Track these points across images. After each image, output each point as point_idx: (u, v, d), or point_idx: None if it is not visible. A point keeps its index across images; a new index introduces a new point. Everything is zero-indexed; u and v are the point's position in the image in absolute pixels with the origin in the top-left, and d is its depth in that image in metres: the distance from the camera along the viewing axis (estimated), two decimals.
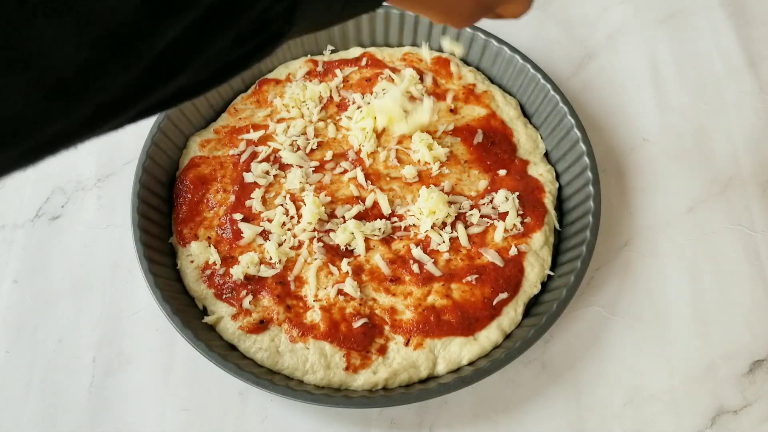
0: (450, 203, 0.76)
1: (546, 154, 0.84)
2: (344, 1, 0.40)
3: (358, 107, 0.84)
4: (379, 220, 0.76)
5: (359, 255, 0.74)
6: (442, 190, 0.78)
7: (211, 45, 0.31)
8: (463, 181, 0.80)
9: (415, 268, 0.74)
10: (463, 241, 0.75)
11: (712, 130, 0.89)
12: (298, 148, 0.81)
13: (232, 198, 0.78)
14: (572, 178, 0.80)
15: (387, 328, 0.71)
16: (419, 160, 0.81)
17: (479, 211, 0.77)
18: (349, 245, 0.75)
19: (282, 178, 0.80)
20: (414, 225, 0.77)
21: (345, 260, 0.74)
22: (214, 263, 0.74)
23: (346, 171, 0.80)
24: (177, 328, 0.67)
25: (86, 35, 0.26)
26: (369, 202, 0.77)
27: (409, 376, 0.69)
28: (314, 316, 0.71)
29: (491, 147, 0.82)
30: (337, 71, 0.87)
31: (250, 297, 0.72)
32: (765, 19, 0.97)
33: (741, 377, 0.74)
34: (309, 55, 0.90)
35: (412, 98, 0.84)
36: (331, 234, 0.75)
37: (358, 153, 0.81)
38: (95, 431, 0.70)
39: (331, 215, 0.77)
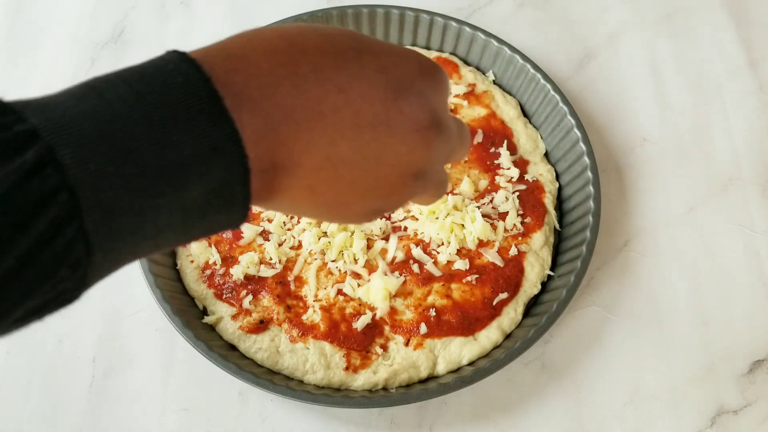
0: (455, 207, 0.76)
1: (546, 154, 0.84)
2: (179, 236, 0.32)
3: None
4: (379, 219, 0.76)
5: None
6: None
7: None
8: (463, 181, 0.80)
9: (415, 268, 0.74)
10: (469, 243, 0.75)
11: (712, 130, 0.89)
12: None
13: None
14: (572, 178, 0.80)
15: (387, 328, 0.71)
16: None
17: (479, 211, 0.77)
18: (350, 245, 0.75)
19: None
20: (411, 216, 0.77)
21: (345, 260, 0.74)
22: (214, 263, 0.74)
23: None
24: (177, 328, 0.67)
25: None
26: None
27: (409, 376, 0.69)
28: (314, 316, 0.71)
29: (491, 147, 0.83)
30: None
31: (250, 297, 0.72)
32: (765, 19, 0.97)
33: (741, 377, 0.74)
34: None
35: None
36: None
37: None
38: (95, 431, 0.70)
39: None
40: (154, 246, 0.31)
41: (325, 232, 0.74)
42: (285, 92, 0.33)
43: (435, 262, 0.74)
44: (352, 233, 0.74)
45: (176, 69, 0.30)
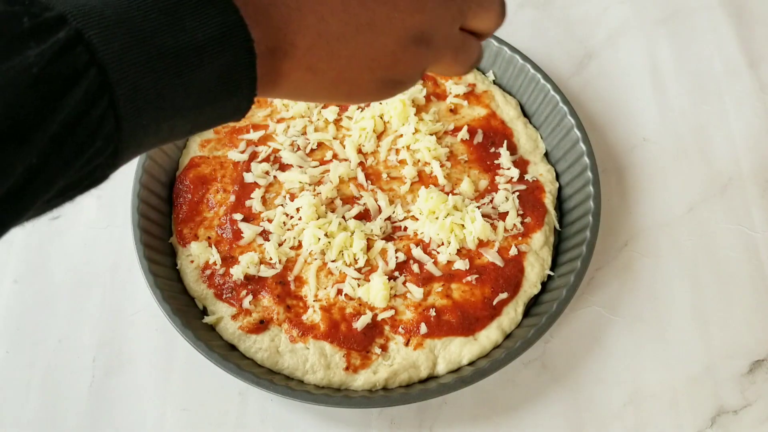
0: (455, 207, 0.76)
1: (546, 154, 0.84)
2: (193, 119, 0.34)
3: (359, 107, 0.84)
4: (379, 219, 0.76)
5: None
6: (442, 190, 0.78)
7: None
8: (463, 181, 0.80)
9: (415, 268, 0.74)
10: (469, 243, 0.75)
11: (712, 130, 0.89)
12: (298, 148, 0.81)
13: (232, 198, 0.78)
14: (572, 178, 0.80)
15: (387, 328, 0.71)
16: (419, 160, 0.81)
17: (479, 211, 0.77)
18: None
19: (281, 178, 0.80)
20: (411, 216, 0.77)
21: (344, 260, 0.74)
22: (214, 263, 0.74)
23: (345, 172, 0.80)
24: (177, 328, 0.67)
25: None
26: (369, 202, 0.77)
27: (409, 376, 0.69)
28: (314, 316, 0.71)
29: (491, 147, 0.83)
30: None
31: (250, 297, 0.72)
32: (765, 19, 0.97)
33: (741, 377, 0.74)
34: None
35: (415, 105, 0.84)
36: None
37: (357, 153, 0.81)
38: (95, 431, 0.70)
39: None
40: (170, 130, 0.34)
41: (326, 233, 0.74)
42: None
43: (435, 262, 0.74)
44: (352, 233, 0.74)
45: None
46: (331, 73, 0.38)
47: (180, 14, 0.31)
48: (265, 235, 0.76)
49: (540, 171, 0.81)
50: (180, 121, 0.33)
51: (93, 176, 0.32)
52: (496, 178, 0.80)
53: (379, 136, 0.83)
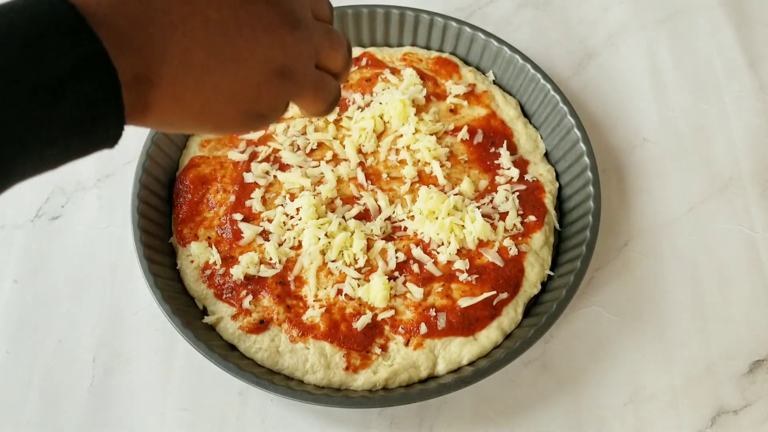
0: (455, 207, 0.76)
1: (546, 154, 0.84)
2: (62, 148, 0.34)
3: (359, 107, 0.84)
4: (379, 219, 0.76)
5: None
6: (442, 190, 0.78)
7: None
8: (463, 181, 0.80)
9: (415, 268, 0.74)
10: (469, 243, 0.75)
11: (712, 130, 0.89)
12: (298, 148, 0.81)
13: (232, 198, 0.78)
14: (572, 178, 0.80)
15: (387, 328, 0.71)
16: (419, 160, 0.81)
17: (479, 211, 0.77)
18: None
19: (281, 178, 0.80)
20: (411, 216, 0.77)
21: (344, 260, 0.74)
22: (214, 263, 0.74)
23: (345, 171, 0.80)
24: (177, 328, 0.67)
25: None
26: (369, 202, 0.77)
27: (409, 376, 0.69)
28: (314, 316, 0.71)
29: (491, 147, 0.83)
30: None
31: (250, 297, 0.72)
32: (765, 19, 0.97)
33: (741, 377, 0.74)
34: None
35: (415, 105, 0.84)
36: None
37: (358, 152, 0.81)
38: (95, 431, 0.70)
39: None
40: (40, 160, 0.34)
41: (326, 233, 0.74)
42: (134, 7, 0.35)
43: (435, 262, 0.74)
44: (352, 233, 0.74)
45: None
46: (197, 104, 0.39)
47: (40, 47, 0.31)
48: (265, 235, 0.76)
49: (540, 171, 0.81)
50: (48, 151, 0.33)
51: None
52: (496, 178, 0.80)
53: (379, 136, 0.83)
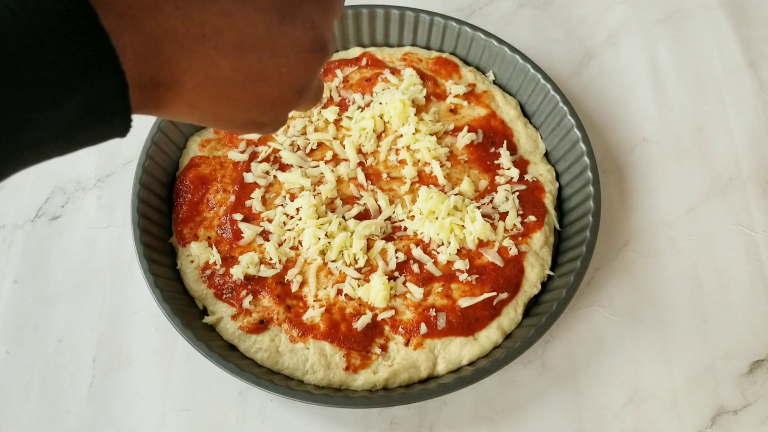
0: (455, 207, 0.76)
1: (546, 154, 0.84)
2: (67, 140, 0.34)
3: (359, 107, 0.84)
4: (379, 219, 0.76)
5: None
6: (441, 190, 0.78)
7: None
8: (463, 181, 0.80)
9: (415, 268, 0.74)
10: (469, 243, 0.75)
11: (712, 130, 0.89)
12: (298, 148, 0.81)
13: (232, 198, 0.78)
14: (572, 178, 0.80)
15: (387, 328, 0.71)
16: (419, 160, 0.81)
17: (479, 211, 0.77)
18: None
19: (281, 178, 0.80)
20: (411, 216, 0.77)
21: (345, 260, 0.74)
22: (214, 263, 0.74)
23: (345, 171, 0.80)
24: (177, 328, 0.67)
25: None
26: (369, 202, 0.77)
27: (409, 376, 0.69)
28: (314, 316, 0.71)
29: (491, 147, 0.83)
30: (338, 71, 0.87)
31: (250, 297, 0.72)
32: (765, 19, 0.97)
33: (741, 377, 0.74)
34: None
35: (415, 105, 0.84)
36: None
37: (358, 152, 0.81)
38: (95, 431, 0.70)
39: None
40: (36, 156, 0.33)
41: (326, 233, 0.74)
42: (168, 13, 0.35)
43: (435, 262, 0.74)
44: (352, 233, 0.74)
45: None
46: (210, 111, 0.40)
47: (45, 46, 0.30)
48: (265, 235, 0.76)
49: (540, 171, 0.81)
50: (46, 147, 0.33)
51: None
52: (496, 178, 0.80)
53: (379, 136, 0.83)
